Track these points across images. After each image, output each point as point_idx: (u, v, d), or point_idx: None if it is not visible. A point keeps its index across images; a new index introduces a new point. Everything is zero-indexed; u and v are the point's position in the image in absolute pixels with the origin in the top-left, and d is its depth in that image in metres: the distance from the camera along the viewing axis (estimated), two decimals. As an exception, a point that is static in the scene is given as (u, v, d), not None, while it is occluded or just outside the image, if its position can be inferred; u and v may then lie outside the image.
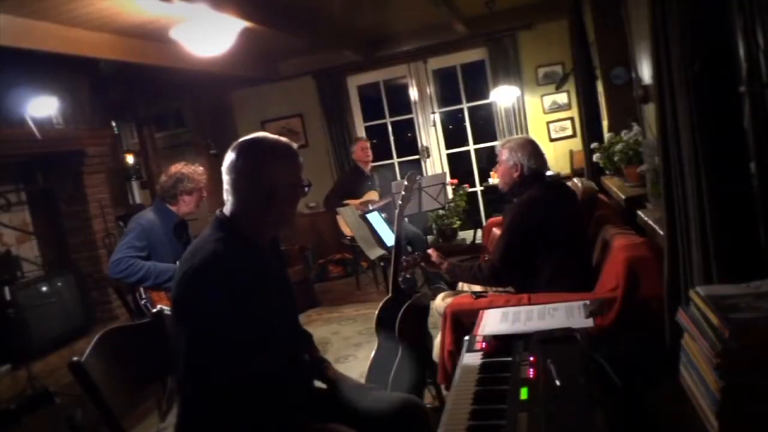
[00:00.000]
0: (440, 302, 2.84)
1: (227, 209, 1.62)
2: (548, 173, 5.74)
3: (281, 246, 1.82)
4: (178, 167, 3.34)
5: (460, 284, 3.16)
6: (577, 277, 2.55)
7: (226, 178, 1.60)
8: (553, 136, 6.41)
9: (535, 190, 2.68)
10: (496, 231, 3.38)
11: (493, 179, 6.15)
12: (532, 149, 2.76)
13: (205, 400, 1.47)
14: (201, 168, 3.40)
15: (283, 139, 1.66)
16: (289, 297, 1.80)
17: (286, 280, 1.84)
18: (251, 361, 1.48)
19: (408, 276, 2.91)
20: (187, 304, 1.50)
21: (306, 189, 1.67)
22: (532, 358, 1.39)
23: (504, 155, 2.78)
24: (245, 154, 1.58)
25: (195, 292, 1.48)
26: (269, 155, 1.61)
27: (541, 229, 2.57)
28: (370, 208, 5.20)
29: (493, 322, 1.75)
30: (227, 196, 1.61)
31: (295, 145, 1.69)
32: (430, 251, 2.87)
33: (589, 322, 1.61)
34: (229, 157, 1.59)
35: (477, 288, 2.88)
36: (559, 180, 4.18)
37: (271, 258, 1.71)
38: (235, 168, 1.57)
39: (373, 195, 5.61)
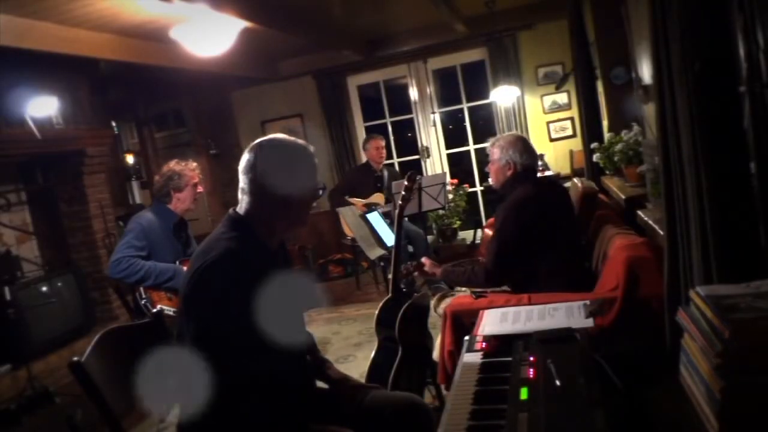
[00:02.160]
0: (437, 304, 2.84)
1: (241, 208, 1.62)
2: (548, 173, 5.78)
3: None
4: (169, 165, 3.33)
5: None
6: (572, 276, 2.54)
7: (242, 177, 1.60)
8: (553, 136, 6.41)
9: (526, 189, 2.66)
10: (488, 232, 3.36)
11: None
12: (522, 146, 2.74)
13: (209, 398, 1.46)
14: (194, 164, 3.39)
15: (300, 141, 1.66)
16: (295, 299, 1.80)
17: (293, 281, 1.83)
18: (255, 360, 1.47)
19: (403, 283, 2.92)
20: (196, 301, 1.50)
21: (320, 192, 1.69)
22: (532, 358, 1.39)
23: (495, 154, 2.75)
24: (262, 155, 1.59)
25: (204, 289, 1.48)
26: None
27: (533, 229, 2.56)
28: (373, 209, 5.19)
29: (493, 322, 1.75)
30: (242, 195, 1.62)
31: (312, 148, 1.68)
32: (423, 260, 2.87)
33: (589, 322, 1.61)
34: (246, 157, 1.60)
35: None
36: (550, 178, 4.18)
37: (280, 259, 1.71)
38: (252, 168, 1.58)
39: (378, 198, 5.59)
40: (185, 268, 3.24)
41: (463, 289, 3.04)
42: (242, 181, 1.60)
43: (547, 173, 5.81)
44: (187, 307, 1.53)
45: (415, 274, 2.89)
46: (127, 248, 3.15)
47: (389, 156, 7.01)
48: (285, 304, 1.67)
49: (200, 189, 3.39)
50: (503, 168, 2.73)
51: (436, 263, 2.84)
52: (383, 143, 5.67)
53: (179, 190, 3.29)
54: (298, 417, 1.57)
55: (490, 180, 2.87)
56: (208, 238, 1.62)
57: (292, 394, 1.61)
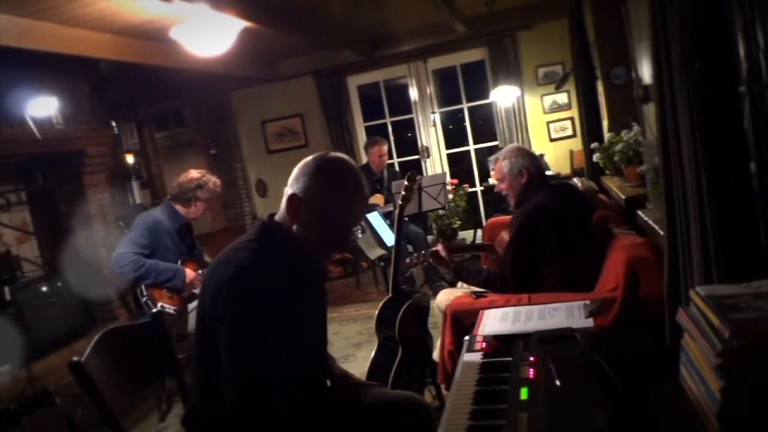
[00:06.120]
0: (442, 299, 2.83)
1: (278, 216, 1.56)
2: (548, 173, 5.78)
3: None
4: (201, 172, 3.40)
5: (460, 282, 3.15)
6: (584, 280, 2.53)
7: (288, 187, 1.53)
8: (553, 136, 6.42)
9: (542, 196, 2.65)
10: (505, 235, 3.35)
11: (494, 179, 6.14)
12: (525, 152, 2.76)
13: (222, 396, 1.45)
14: (220, 182, 3.46)
15: (362, 181, 1.56)
16: (322, 313, 1.76)
17: (324, 294, 1.77)
18: (281, 367, 1.43)
19: (408, 275, 2.92)
20: (230, 302, 1.42)
21: (359, 233, 1.64)
22: (532, 358, 1.39)
23: (504, 168, 2.73)
24: (317, 175, 1.51)
25: (241, 291, 1.42)
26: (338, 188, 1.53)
27: (550, 238, 2.55)
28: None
29: (493, 322, 1.75)
30: (283, 204, 1.54)
31: (367, 195, 1.60)
32: (438, 247, 2.86)
33: (589, 322, 1.61)
34: (299, 169, 1.52)
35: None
36: (564, 182, 4.17)
37: (311, 272, 1.65)
38: (301, 182, 1.50)
39: (378, 199, 5.59)
40: (187, 268, 3.27)
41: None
42: (287, 191, 1.52)
43: (547, 173, 5.80)
44: (215, 309, 1.45)
45: (430, 260, 2.88)
46: (130, 245, 3.19)
47: (389, 156, 7.01)
48: (311, 314, 1.64)
49: (212, 206, 3.44)
50: (517, 177, 2.71)
51: (450, 255, 2.84)
52: (386, 148, 5.64)
53: (204, 200, 3.35)
54: (315, 417, 1.55)
55: (507, 198, 2.82)
56: (235, 242, 1.55)
57: (312, 396, 1.59)
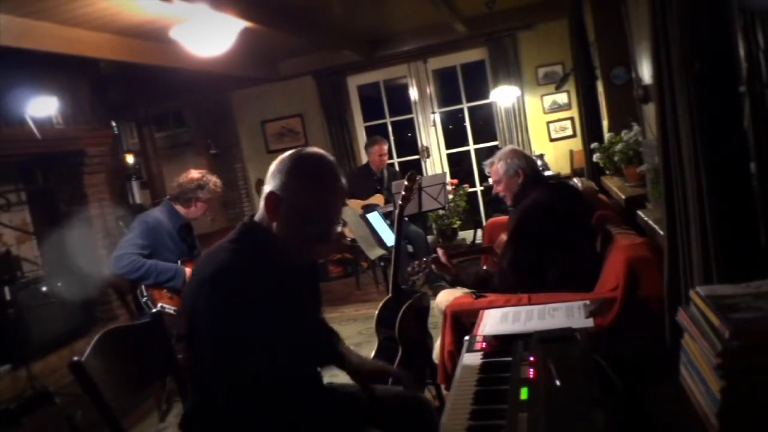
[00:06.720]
0: (442, 299, 2.83)
1: (257, 216, 1.55)
2: (548, 173, 5.77)
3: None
4: (202, 173, 3.40)
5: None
6: (583, 278, 2.54)
7: (265, 185, 1.51)
8: (553, 136, 6.42)
9: (539, 193, 2.66)
10: (504, 236, 3.36)
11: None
12: (520, 153, 2.79)
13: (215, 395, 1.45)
14: (220, 182, 3.47)
15: (339, 175, 1.54)
16: (313, 309, 1.75)
17: (311, 288, 1.76)
18: (266, 366, 1.42)
19: (410, 282, 2.93)
20: (206, 304, 1.43)
21: (340, 227, 1.62)
22: (532, 358, 1.39)
23: (501, 169, 2.76)
24: (294, 172, 1.49)
25: (215, 293, 1.42)
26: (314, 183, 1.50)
27: (548, 234, 2.55)
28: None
29: (493, 322, 1.75)
30: (261, 203, 1.53)
31: (345, 189, 1.57)
32: (439, 252, 2.86)
33: (589, 322, 1.61)
34: (275, 166, 1.50)
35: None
36: (562, 181, 4.19)
37: (296, 268, 1.62)
38: (277, 179, 1.49)
39: (378, 199, 5.59)
40: (187, 269, 3.27)
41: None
42: (265, 189, 1.51)
43: (547, 173, 5.81)
44: (196, 309, 1.45)
45: (433, 266, 2.89)
46: (130, 245, 3.19)
47: (389, 156, 7.00)
48: (299, 311, 1.62)
49: (211, 207, 3.44)
50: (513, 178, 2.74)
51: (451, 259, 2.85)
52: (386, 148, 5.64)
53: (204, 201, 3.36)
54: (304, 420, 1.55)
55: (504, 199, 2.82)
56: (217, 244, 1.55)
57: (300, 398, 1.59)
